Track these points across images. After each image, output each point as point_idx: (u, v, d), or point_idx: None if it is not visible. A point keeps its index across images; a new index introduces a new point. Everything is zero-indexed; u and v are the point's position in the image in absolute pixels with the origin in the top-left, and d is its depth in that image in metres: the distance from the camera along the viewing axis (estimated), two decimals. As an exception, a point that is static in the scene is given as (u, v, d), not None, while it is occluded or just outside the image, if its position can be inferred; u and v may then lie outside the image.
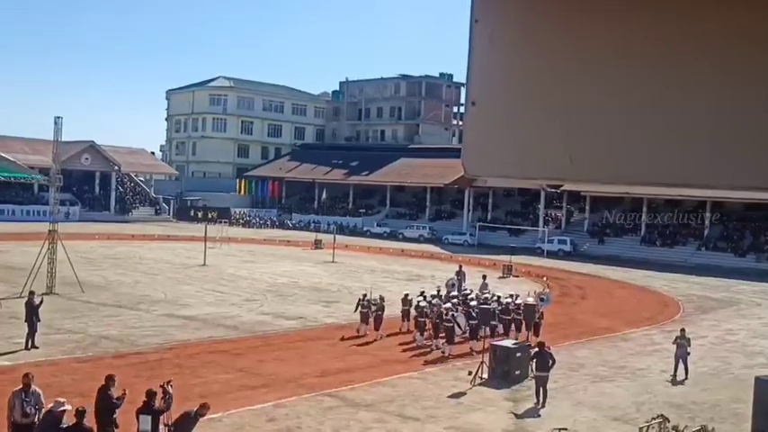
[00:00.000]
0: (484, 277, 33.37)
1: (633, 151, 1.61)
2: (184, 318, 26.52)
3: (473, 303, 25.50)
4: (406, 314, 26.10)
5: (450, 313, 23.56)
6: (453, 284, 29.07)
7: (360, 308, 25.21)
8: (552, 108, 1.68)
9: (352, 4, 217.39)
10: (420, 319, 24.35)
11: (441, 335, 23.39)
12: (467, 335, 24.27)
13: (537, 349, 19.12)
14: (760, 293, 42.00)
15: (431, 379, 19.97)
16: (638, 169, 1.60)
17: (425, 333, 24.20)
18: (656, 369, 22.43)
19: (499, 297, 26.32)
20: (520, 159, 1.75)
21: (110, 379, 13.22)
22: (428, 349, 23.22)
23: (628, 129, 1.61)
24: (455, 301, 25.87)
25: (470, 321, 24.08)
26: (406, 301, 26.61)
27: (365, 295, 25.76)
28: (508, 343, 21.37)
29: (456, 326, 23.52)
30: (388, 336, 25.08)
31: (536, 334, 24.46)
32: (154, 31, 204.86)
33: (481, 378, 19.85)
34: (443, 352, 22.69)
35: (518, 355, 20.34)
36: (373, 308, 24.90)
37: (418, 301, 25.50)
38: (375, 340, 24.03)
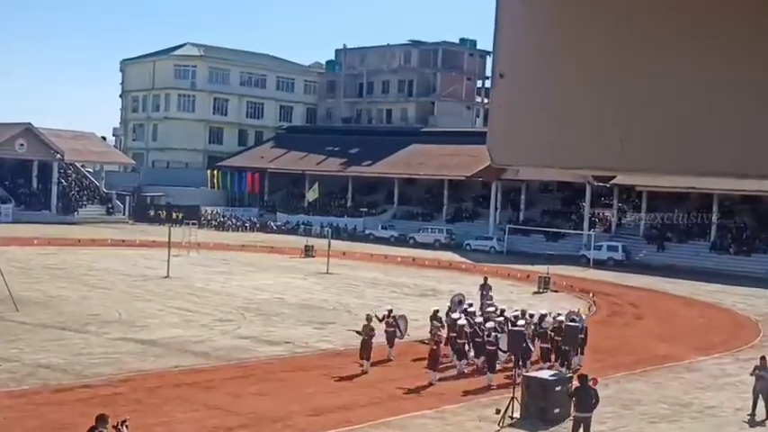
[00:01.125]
0: (489, 288, 33.34)
1: (704, 133, 1.60)
2: (143, 342, 26.56)
3: (521, 323, 25.70)
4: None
5: (494, 334, 23.89)
6: (460, 301, 29.07)
7: (384, 326, 25.83)
8: (600, 79, 1.68)
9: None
10: (459, 341, 24.61)
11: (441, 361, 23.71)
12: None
13: (578, 384, 19.04)
14: None
15: (449, 419, 19.97)
16: (710, 156, 1.59)
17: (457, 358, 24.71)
18: (730, 407, 22.39)
19: (544, 315, 26.60)
20: (559, 144, 1.75)
21: (100, 420, 13.35)
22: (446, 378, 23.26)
23: (698, 105, 1.60)
24: (500, 319, 26.19)
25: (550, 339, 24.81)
26: (435, 318, 26.87)
27: (390, 311, 26.52)
28: (545, 374, 21.34)
29: (498, 350, 23.85)
30: (413, 361, 25.31)
31: (564, 364, 24.43)
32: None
33: (512, 418, 19.85)
34: (490, 383, 22.93)
35: (557, 389, 20.31)
36: (377, 331, 25.11)
37: (455, 320, 25.73)
38: (389, 359, 24.27)
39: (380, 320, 26.06)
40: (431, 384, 22.86)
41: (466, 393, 22.39)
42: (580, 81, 1.70)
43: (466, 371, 24.43)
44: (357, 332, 24.92)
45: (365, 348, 24.15)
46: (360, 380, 23.21)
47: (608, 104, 1.66)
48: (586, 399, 18.38)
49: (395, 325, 26.03)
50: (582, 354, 25.92)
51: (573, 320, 26.71)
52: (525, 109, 1.79)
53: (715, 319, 38.65)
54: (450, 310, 28.18)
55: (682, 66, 1.62)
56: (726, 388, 24.54)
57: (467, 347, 25.03)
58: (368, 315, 25.53)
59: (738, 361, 28.04)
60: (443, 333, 24.98)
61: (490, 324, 24.80)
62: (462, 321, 25.22)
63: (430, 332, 25.43)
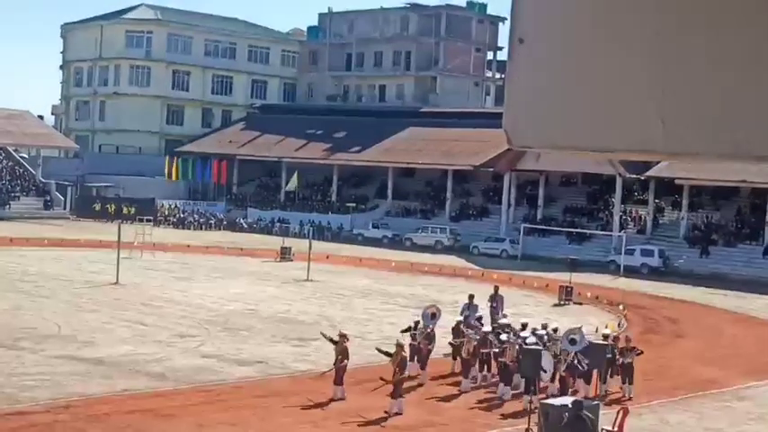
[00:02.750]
0: (471, 297, 33.44)
1: (761, 110, 1.60)
2: (88, 361, 26.48)
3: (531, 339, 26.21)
4: (458, 351, 26.97)
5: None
6: (433, 315, 29.13)
7: (410, 340, 26.50)
8: (640, 46, 1.69)
9: None
10: (510, 363, 24.99)
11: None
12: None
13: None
14: None
15: (452, 454, 20.00)
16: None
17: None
18: (786, 441, 22.47)
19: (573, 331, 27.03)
20: (590, 123, 1.76)
21: None
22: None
23: (753, 77, 1.60)
24: (541, 332, 26.80)
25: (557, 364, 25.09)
26: (459, 332, 27.40)
27: (417, 323, 27.25)
28: (565, 401, 21.39)
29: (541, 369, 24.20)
30: (433, 380, 25.53)
31: (563, 390, 24.56)
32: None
33: (526, 453, 19.89)
34: (526, 406, 23.10)
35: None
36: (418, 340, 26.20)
37: (486, 333, 26.38)
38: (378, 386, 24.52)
39: (405, 331, 26.93)
40: (388, 414, 22.49)
41: (472, 424, 22.40)
42: (615, 48, 1.70)
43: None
44: (331, 340, 24.67)
45: (339, 371, 23.98)
46: (344, 408, 23.16)
47: (648, 76, 1.67)
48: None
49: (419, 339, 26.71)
50: (601, 380, 26.04)
51: (571, 341, 26.73)
52: (550, 81, 1.79)
53: (769, 337, 38.74)
54: (423, 325, 28.26)
55: (737, 31, 1.62)
56: (781, 419, 24.62)
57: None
58: (341, 333, 25.42)
59: (796, 387, 28.12)
60: (407, 354, 25.11)
61: (532, 339, 25.43)
62: (507, 337, 25.79)
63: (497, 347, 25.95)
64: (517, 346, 25.29)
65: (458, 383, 26.00)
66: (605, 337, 27.22)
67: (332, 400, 23.51)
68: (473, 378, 25.95)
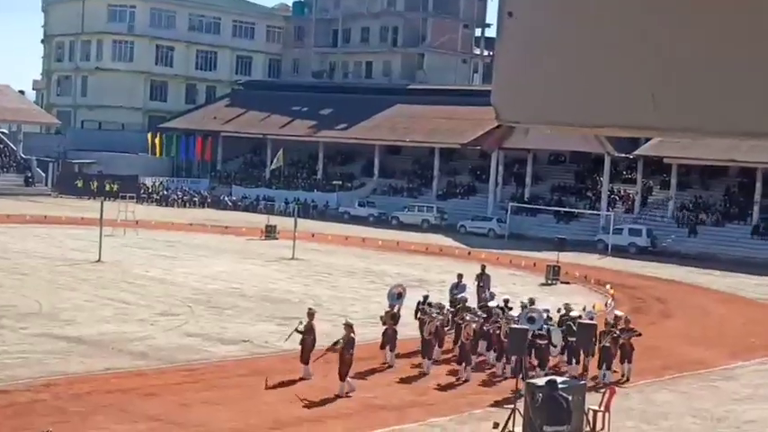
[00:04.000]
0: (459, 276, 33.60)
1: (754, 85, 1.59)
2: (69, 339, 26.47)
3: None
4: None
5: (545, 327, 24.99)
6: (400, 295, 28.91)
7: (419, 313, 26.97)
8: (631, 20, 1.68)
9: None
10: (466, 341, 25.16)
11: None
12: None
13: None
14: None
15: (437, 434, 20.07)
16: (761, 114, 1.58)
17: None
18: (772, 422, 22.61)
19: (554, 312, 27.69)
20: (580, 98, 1.75)
21: None
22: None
23: (746, 50, 1.59)
24: (545, 308, 27.34)
25: (570, 338, 25.78)
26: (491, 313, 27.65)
27: (426, 297, 27.82)
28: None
29: (550, 344, 24.99)
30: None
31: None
32: None
33: (512, 433, 19.96)
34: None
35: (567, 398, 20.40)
36: (435, 314, 26.31)
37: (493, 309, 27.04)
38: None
39: (416, 311, 27.14)
40: (339, 396, 22.39)
41: (457, 403, 22.47)
42: (605, 22, 1.69)
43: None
44: (298, 331, 24.38)
45: (305, 350, 23.78)
46: (329, 387, 23.19)
47: (638, 51, 1.66)
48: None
49: (430, 314, 26.78)
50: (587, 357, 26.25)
51: (531, 319, 26.79)
52: (539, 56, 1.78)
53: (757, 318, 38.90)
54: (389, 304, 28.03)
55: (728, 6, 1.61)
56: (768, 400, 24.79)
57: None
58: (310, 310, 25.26)
59: (783, 368, 28.30)
60: (355, 336, 24.88)
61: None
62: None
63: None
64: (474, 324, 25.57)
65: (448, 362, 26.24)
66: (617, 318, 27.32)
67: (301, 379, 23.43)
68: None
